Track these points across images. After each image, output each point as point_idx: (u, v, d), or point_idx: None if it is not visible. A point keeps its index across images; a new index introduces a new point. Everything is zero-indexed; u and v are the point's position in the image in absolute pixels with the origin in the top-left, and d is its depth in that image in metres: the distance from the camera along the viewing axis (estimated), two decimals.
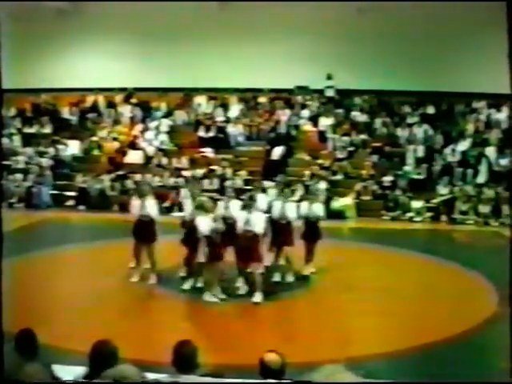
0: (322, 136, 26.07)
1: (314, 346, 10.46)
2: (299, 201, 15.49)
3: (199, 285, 13.65)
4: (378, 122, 26.33)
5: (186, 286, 13.72)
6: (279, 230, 14.15)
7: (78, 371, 5.60)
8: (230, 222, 13.50)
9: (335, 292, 13.95)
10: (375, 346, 10.75)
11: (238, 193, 16.46)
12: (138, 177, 24.04)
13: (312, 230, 14.93)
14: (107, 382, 4.55)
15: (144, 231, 14.20)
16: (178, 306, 13.75)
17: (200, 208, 13.22)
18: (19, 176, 24.66)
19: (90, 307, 12.73)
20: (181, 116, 27.81)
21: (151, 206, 14.28)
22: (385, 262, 16.61)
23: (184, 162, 25.27)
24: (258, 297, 12.97)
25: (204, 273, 13.43)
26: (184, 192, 15.61)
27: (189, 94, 28.25)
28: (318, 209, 15.13)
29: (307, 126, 26.58)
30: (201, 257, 13.37)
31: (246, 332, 11.57)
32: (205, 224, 12.97)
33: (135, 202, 14.41)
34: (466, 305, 12.87)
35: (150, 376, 5.27)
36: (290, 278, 14.45)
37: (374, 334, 11.64)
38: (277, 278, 14.32)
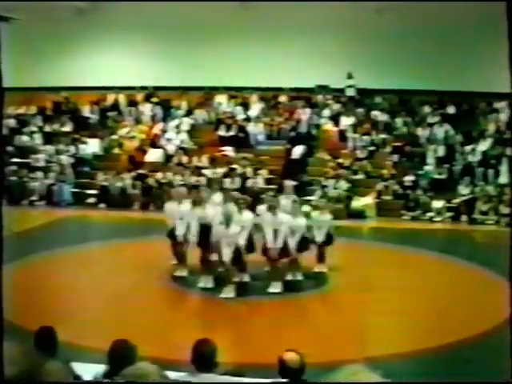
0: (342, 135, 26.04)
1: (332, 346, 10.45)
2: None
3: (209, 285, 13.75)
4: (398, 121, 26.27)
5: (202, 284, 13.81)
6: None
7: (97, 369, 5.63)
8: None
9: (354, 291, 13.92)
10: (394, 346, 10.73)
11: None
12: (158, 175, 24.10)
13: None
14: (126, 381, 4.54)
15: None
16: (197, 304, 13.82)
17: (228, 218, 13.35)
18: (40, 174, 24.77)
19: (109, 305, 12.79)
20: (201, 115, 27.84)
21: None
22: (404, 262, 16.56)
23: (204, 160, 25.29)
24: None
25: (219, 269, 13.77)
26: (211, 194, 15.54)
27: (209, 92, 28.27)
28: (327, 218, 15.20)
29: (328, 126, 26.54)
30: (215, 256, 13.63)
31: (265, 331, 11.58)
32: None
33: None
34: (486, 305, 12.78)
35: (170, 374, 5.28)
36: (299, 277, 14.49)
37: (392, 334, 11.63)
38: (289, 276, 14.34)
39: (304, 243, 14.25)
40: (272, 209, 14.01)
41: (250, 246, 13.81)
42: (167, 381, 5.02)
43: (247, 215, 13.84)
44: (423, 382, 8.94)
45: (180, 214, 14.50)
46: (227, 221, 13.23)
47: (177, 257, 14.83)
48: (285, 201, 15.02)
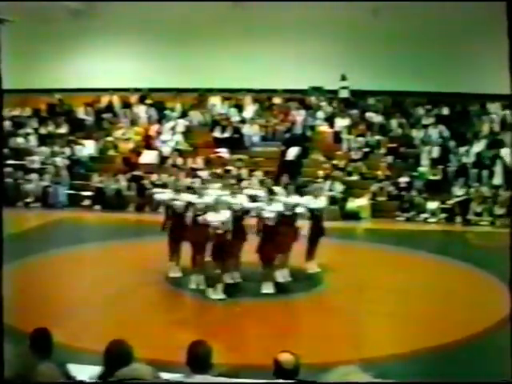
0: (337, 137, 26.05)
1: (327, 347, 10.46)
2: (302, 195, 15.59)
3: (202, 286, 13.73)
4: (393, 122, 26.28)
5: (193, 285, 13.81)
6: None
7: (92, 370, 5.63)
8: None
9: (348, 292, 13.96)
10: (389, 347, 10.76)
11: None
12: (153, 177, 24.09)
13: (316, 226, 14.98)
14: (121, 381, 4.56)
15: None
16: (191, 306, 13.82)
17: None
18: (35, 176, 24.73)
19: (104, 306, 12.79)
20: (196, 116, 27.83)
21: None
22: (399, 263, 16.60)
23: (199, 162, 25.29)
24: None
25: (210, 270, 13.62)
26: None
27: (203, 94, 28.25)
28: (321, 202, 15.27)
29: (323, 127, 26.55)
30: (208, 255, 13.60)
31: (259, 332, 11.58)
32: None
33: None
34: (480, 306, 12.83)
35: (165, 376, 5.29)
36: (287, 278, 14.47)
37: (387, 335, 11.65)
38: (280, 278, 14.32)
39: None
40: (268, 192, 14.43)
41: (242, 234, 13.83)
42: (162, 381, 5.04)
43: (241, 198, 14.07)
44: (419, 383, 8.95)
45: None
46: (217, 205, 13.22)
47: (171, 250, 14.72)
48: (279, 189, 15.35)
